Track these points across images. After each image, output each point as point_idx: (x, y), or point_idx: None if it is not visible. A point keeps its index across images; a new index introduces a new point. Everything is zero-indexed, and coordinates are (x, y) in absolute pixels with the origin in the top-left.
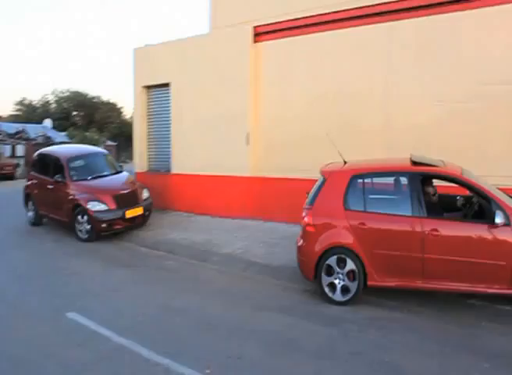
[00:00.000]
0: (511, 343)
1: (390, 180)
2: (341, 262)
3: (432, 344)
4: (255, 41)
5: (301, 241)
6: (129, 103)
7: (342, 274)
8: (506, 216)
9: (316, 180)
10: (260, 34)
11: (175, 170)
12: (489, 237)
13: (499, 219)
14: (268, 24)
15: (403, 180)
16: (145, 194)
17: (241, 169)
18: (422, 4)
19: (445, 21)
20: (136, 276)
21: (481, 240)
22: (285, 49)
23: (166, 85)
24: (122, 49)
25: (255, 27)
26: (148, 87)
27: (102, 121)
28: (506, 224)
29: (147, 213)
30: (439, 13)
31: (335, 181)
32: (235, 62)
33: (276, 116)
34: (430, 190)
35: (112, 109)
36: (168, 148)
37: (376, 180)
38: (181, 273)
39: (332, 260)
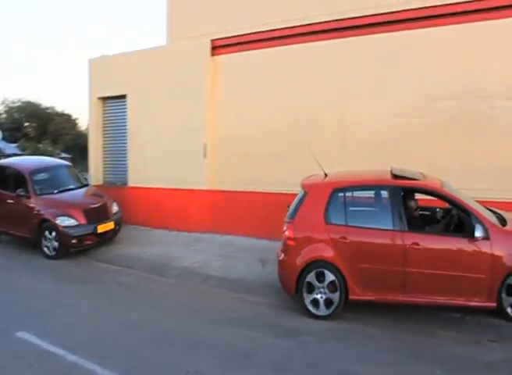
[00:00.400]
0: (461, 348)
1: (371, 193)
2: (322, 277)
3: (387, 353)
4: (213, 54)
5: (282, 254)
6: (84, 114)
7: (323, 288)
8: (485, 230)
9: (271, 193)
10: (217, 47)
11: (131, 183)
12: (469, 250)
13: (478, 233)
14: (225, 38)
15: (384, 194)
16: (115, 207)
17: (198, 182)
18: (376, 21)
19: (399, 38)
20: (92, 292)
21: (461, 253)
22: (242, 63)
23: (123, 97)
24: (78, 59)
25: (213, 40)
26: (104, 99)
27: (56, 132)
28: (485, 238)
29: (117, 228)
30: (394, 31)
31: (316, 194)
32: (192, 75)
33: (234, 130)
34: (411, 203)
35: (67, 120)
36: (125, 160)
37: (357, 193)
38: (138, 288)
39: (313, 274)
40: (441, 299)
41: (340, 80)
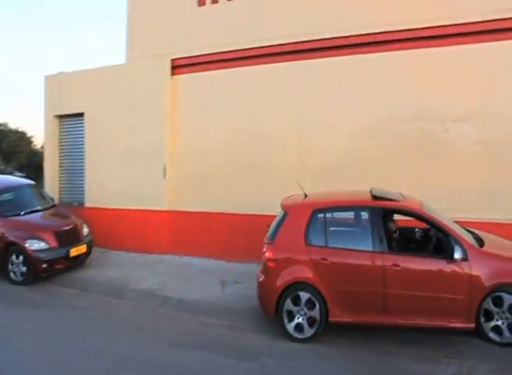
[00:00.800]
0: (420, 366)
1: (352, 214)
2: (303, 298)
3: (347, 372)
4: (173, 74)
5: (262, 276)
6: (40, 132)
7: (303, 310)
8: (464, 251)
9: (232, 214)
10: (178, 67)
11: (88, 203)
12: (448, 271)
13: (457, 255)
14: (185, 57)
15: (365, 215)
16: (85, 229)
17: (158, 203)
18: (335, 44)
19: (357, 62)
20: (46, 318)
21: (440, 274)
22: (203, 83)
23: (80, 115)
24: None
25: (173, 60)
26: (61, 117)
27: (10, 150)
28: (463, 259)
29: (89, 251)
30: (352, 54)
31: (296, 215)
32: (152, 94)
33: (194, 150)
34: (391, 224)
35: (21, 138)
36: (82, 179)
37: (337, 214)
38: (94, 312)
39: (293, 296)
40: (421, 321)
41: (300, 101)
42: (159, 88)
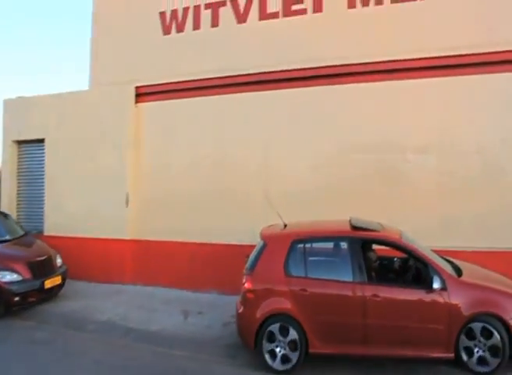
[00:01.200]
0: None
1: (331, 244)
2: (282, 330)
3: None
4: (137, 101)
5: (241, 307)
6: None
7: (283, 342)
8: (443, 281)
9: (196, 243)
10: (142, 95)
11: (48, 232)
12: (427, 301)
13: (436, 285)
14: (150, 85)
15: (344, 245)
16: (59, 260)
17: (120, 231)
18: (299, 76)
19: (323, 93)
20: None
21: (420, 305)
22: (167, 111)
23: (40, 141)
24: None
25: (137, 87)
26: (20, 142)
27: None
28: (442, 289)
29: (63, 282)
30: (316, 85)
31: (275, 246)
32: (115, 121)
33: (157, 178)
34: (370, 254)
35: None
36: (41, 207)
37: (317, 244)
38: (52, 345)
39: (273, 328)
40: (402, 351)
41: (264, 131)
42: (123, 115)
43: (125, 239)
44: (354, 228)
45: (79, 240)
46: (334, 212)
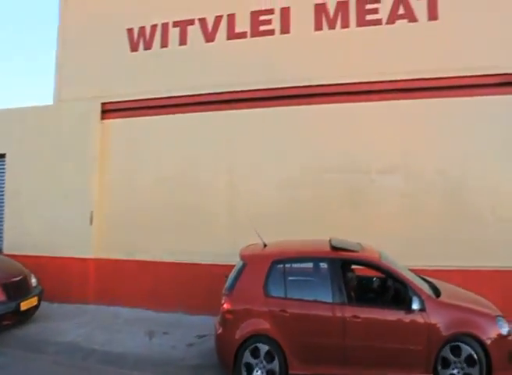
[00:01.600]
0: None
1: (311, 265)
2: (261, 351)
3: None
4: (103, 118)
5: (220, 328)
6: None
7: (262, 363)
8: (422, 302)
9: (161, 262)
10: (108, 111)
11: (7, 250)
12: (406, 322)
13: (415, 306)
14: (116, 102)
15: (324, 266)
16: (33, 280)
17: (84, 250)
18: (267, 96)
19: (290, 113)
20: None
21: (399, 326)
22: (133, 128)
23: (1, 156)
24: None
25: (103, 104)
26: None
27: None
28: (421, 309)
29: (39, 304)
30: (285, 105)
31: (255, 266)
32: (80, 137)
33: (123, 196)
34: (350, 274)
35: None
36: (1, 224)
37: (297, 265)
38: (10, 370)
39: (252, 349)
40: (382, 373)
41: (230, 149)
42: (88, 131)
43: (88, 258)
44: (334, 248)
45: (40, 258)
46: (300, 233)
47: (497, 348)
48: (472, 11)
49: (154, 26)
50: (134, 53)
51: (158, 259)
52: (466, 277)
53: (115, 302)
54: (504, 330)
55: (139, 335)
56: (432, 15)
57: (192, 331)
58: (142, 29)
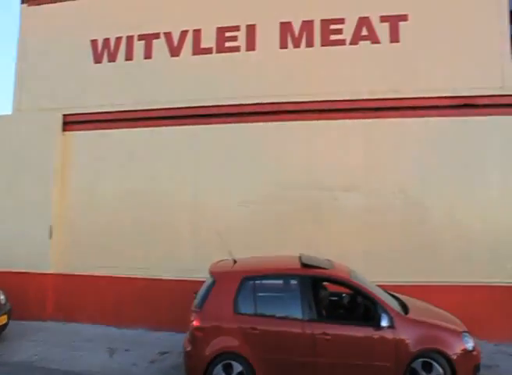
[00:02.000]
0: None
1: (281, 282)
2: (231, 368)
3: None
4: (65, 130)
5: (189, 346)
6: None
7: None
8: (390, 319)
9: (122, 278)
10: (70, 123)
11: None
12: (376, 339)
13: (384, 323)
14: (79, 114)
15: (294, 283)
16: (2, 296)
17: (43, 265)
18: (232, 112)
19: (255, 129)
20: None
21: (369, 342)
22: (97, 141)
23: None
24: None
25: (65, 115)
26: None
27: None
28: (390, 326)
29: (8, 322)
30: (251, 122)
31: (225, 283)
32: (41, 149)
33: (85, 210)
34: (320, 291)
35: None
36: None
37: (267, 281)
38: None
39: (221, 367)
40: None
41: (194, 165)
42: (49, 144)
43: (47, 273)
44: (304, 266)
45: None
46: (264, 248)
47: (463, 363)
48: (432, 36)
49: (119, 39)
50: (98, 65)
51: (120, 275)
52: (426, 293)
53: (76, 319)
54: (469, 346)
55: (99, 353)
56: (394, 37)
57: (154, 348)
58: (106, 41)
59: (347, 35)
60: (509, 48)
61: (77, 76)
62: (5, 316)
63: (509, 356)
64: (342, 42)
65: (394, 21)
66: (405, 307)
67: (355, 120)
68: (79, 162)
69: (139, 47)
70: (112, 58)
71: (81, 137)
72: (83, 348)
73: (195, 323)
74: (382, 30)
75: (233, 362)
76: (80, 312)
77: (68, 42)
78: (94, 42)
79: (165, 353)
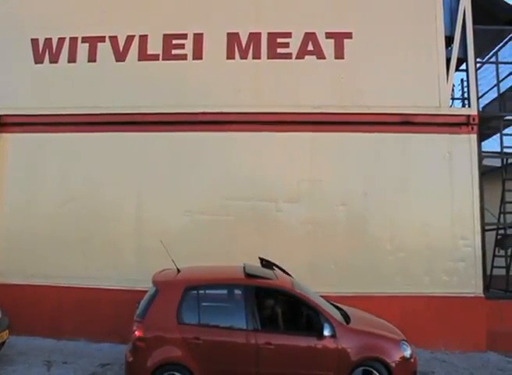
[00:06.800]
0: None
1: (225, 291)
2: None
3: None
4: (0, 132)
5: (131, 356)
6: None
7: None
8: (333, 328)
9: (62, 287)
10: (7, 125)
11: None
12: (318, 348)
13: (326, 332)
14: (16, 115)
15: (238, 293)
16: None
17: None
18: (179, 120)
19: (201, 139)
20: None
21: (311, 352)
22: (35, 144)
23: None
24: None
25: (1, 116)
26: None
27: None
28: (332, 336)
29: (7, 338)
30: (196, 131)
31: (168, 293)
32: None
33: (21, 217)
34: (264, 301)
35: None
36: None
37: (211, 291)
38: None
39: None
40: None
41: (139, 173)
42: None
43: None
44: (248, 276)
45: None
46: (208, 258)
47: (401, 370)
48: (374, 55)
49: (61, 39)
50: (39, 65)
51: (59, 284)
52: (366, 303)
53: (10, 331)
54: (407, 353)
55: (35, 366)
56: (339, 54)
57: (95, 360)
58: (48, 40)
59: (294, 49)
60: (445, 70)
61: (16, 76)
62: (6, 332)
63: (443, 363)
64: (288, 56)
65: (339, 38)
66: (347, 317)
67: (300, 133)
68: (15, 166)
69: (83, 49)
70: (54, 59)
71: (18, 140)
72: (17, 361)
73: (137, 333)
74: (328, 46)
75: (176, 374)
76: (16, 323)
77: (6, 39)
78: (34, 41)
79: (106, 365)
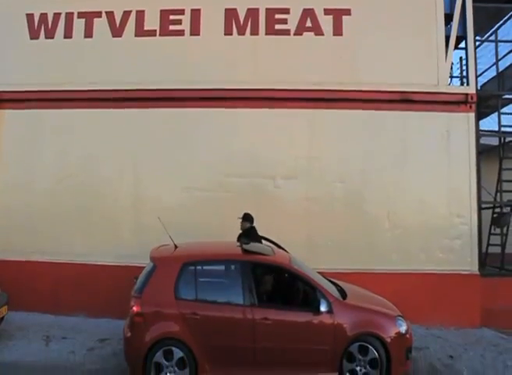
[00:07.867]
0: None
1: (222, 268)
2: (171, 354)
3: None
4: None
5: (129, 332)
6: None
7: (172, 367)
8: (329, 304)
9: (61, 263)
10: (3, 101)
11: None
12: (315, 324)
13: (323, 308)
14: (12, 91)
15: (235, 269)
16: None
17: None
18: (176, 96)
19: (199, 115)
20: None
21: (307, 327)
22: (32, 121)
23: None
24: None
25: None
26: None
27: None
28: (328, 311)
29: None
30: (195, 107)
31: (165, 268)
32: None
33: (18, 193)
34: (261, 277)
35: None
36: None
37: (208, 267)
38: None
39: (162, 353)
40: (291, 373)
41: (136, 149)
42: None
43: None
44: (245, 251)
45: None
46: (205, 234)
47: (396, 346)
48: (373, 32)
49: (57, 15)
50: (34, 41)
51: (58, 260)
52: (363, 280)
53: (9, 307)
54: (402, 329)
55: (34, 341)
56: (337, 31)
57: (94, 335)
58: (43, 15)
59: (292, 25)
60: (443, 48)
61: (11, 52)
62: (6, 308)
63: (437, 338)
64: (286, 32)
65: (337, 15)
66: (343, 293)
67: (299, 109)
68: (11, 142)
69: (79, 25)
70: (50, 34)
71: (15, 116)
72: (16, 336)
73: (135, 308)
74: (326, 22)
75: (174, 348)
76: (14, 299)
77: (1, 15)
78: (30, 16)
79: (104, 340)
